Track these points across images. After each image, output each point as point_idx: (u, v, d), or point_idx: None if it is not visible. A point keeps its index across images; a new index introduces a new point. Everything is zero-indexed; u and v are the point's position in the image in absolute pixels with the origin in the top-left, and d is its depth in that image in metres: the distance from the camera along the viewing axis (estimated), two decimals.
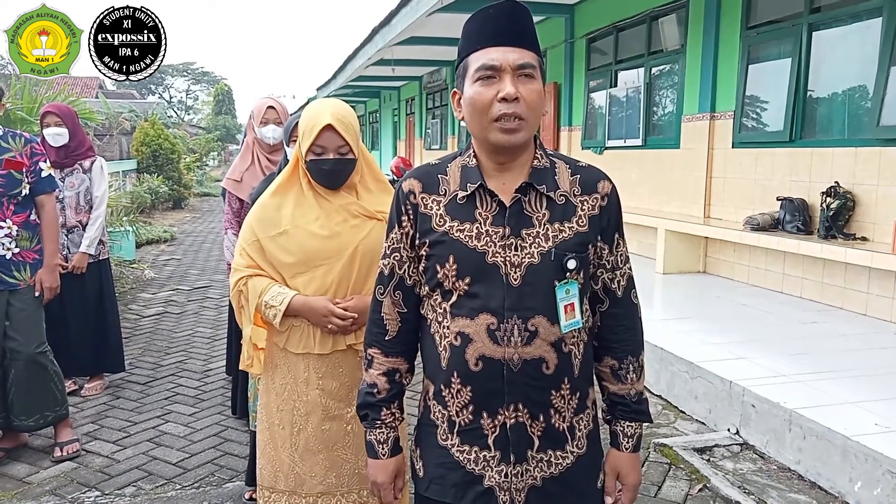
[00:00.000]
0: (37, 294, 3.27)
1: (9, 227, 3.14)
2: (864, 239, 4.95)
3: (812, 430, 3.07)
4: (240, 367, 2.13)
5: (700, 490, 3.03)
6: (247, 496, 2.93)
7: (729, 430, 3.57)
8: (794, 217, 5.42)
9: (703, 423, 3.77)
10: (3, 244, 3.13)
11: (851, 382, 3.57)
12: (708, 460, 3.30)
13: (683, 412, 3.94)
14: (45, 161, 3.28)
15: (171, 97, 58.68)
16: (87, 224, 4.10)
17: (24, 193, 3.19)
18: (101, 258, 4.27)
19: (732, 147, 6.43)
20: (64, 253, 3.95)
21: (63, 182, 3.99)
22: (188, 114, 58.61)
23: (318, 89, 22.52)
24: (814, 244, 5.01)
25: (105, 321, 4.32)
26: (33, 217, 3.26)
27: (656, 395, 4.18)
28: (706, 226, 6.33)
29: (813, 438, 3.06)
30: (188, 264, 9.29)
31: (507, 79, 1.30)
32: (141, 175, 14.80)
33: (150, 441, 3.58)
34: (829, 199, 5.10)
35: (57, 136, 3.95)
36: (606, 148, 8.78)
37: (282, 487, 2.03)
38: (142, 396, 4.23)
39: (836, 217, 5.04)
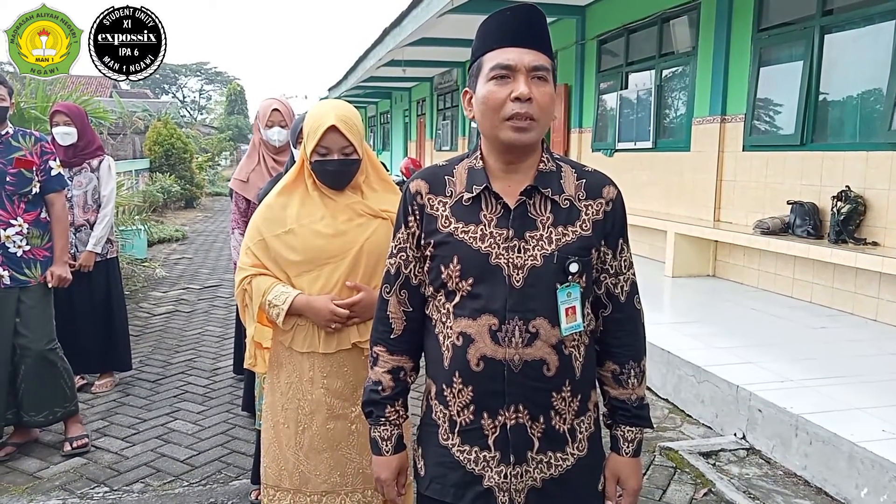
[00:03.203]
0: (50, 286, 3.31)
1: (20, 225, 3.18)
2: (874, 244, 4.92)
3: (819, 435, 3.05)
4: (244, 366, 2.14)
5: (705, 494, 3.02)
6: (253, 496, 2.95)
7: (735, 434, 3.55)
8: (804, 221, 5.39)
9: (709, 428, 3.76)
10: (15, 242, 3.17)
11: (859, 388, 3.54)
12: (713, 465, 3.29)
13: (690, 416, 3.93)
14: (54, 160, 3.31)
15: (184, 97, 58.95)
16: (94, 223, 4.12)
17: (34, 192, 3.22)
18: (108, 257, 4.28)
19: (743, 150, 6.40)
20: (72, 251, 3.96)
21: (71, 181, 4.00)
22: (201, 113, 58.87)
23: (329, 90, 22.60)
24: (824, 248, 4.98)
25: (113, 320, 4.33)
26: (44, 215, 3.30)
27: (663, 399, 4.17)
28: (716, 229, 6.29)
29: (819, 444, 3.04)
30: (199, 263, 9.35)
31: (521, 79, 1.32)
32: (153, 174, 14.89)
33: (158, 438, 3.61)
34: (839, 203, 5.06)
35: (65, 135, 3.98)
36: (616, 150, 8.75)
37: (286, 486, 2.04)
38: (151, 394, 4.27)
39: (847, 221, 5.00)
